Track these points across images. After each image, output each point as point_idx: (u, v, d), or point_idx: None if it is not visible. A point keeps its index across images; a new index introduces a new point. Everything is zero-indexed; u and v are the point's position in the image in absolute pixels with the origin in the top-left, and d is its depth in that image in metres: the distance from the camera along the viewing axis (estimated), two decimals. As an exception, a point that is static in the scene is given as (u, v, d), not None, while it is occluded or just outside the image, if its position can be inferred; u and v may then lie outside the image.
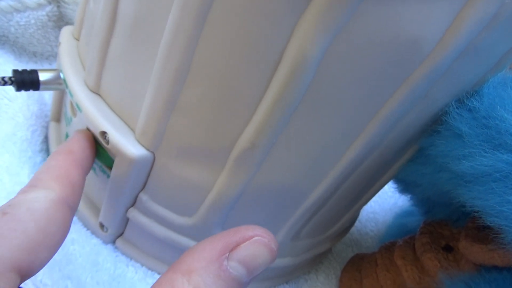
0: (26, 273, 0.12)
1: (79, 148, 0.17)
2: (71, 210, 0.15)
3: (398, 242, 0.23)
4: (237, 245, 0.12)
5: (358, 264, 0.25)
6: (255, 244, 0.12)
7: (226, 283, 0.12)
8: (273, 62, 0.13)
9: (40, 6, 0.27)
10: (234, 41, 0.13)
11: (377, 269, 0.22)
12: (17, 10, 0.26)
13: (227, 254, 0.12)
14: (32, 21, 0.27)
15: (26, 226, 0.12)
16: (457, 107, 0.15)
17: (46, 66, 0.30)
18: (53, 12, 0.28)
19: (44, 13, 0.27)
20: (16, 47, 0.28)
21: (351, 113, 0.15)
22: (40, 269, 0.13)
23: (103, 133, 0.18)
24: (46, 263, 0.13)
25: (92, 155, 0.18)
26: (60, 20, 0.29)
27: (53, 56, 0.30)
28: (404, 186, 0.21)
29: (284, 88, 0.14)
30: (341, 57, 0.13)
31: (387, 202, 0.33)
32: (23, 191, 0.14)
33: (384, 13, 0.12)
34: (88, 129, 0.19)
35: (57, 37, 0.30)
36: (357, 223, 0.30)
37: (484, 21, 0.12)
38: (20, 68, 0.27)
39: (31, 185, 0.14)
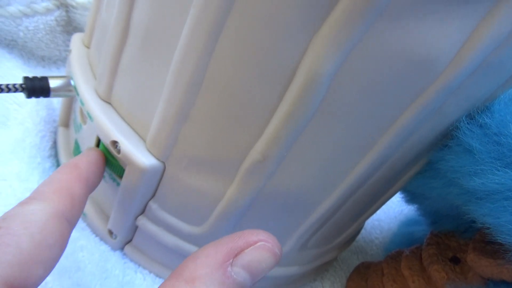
0: None
1: (86, 163, 0.17)
2: (70, 224, 0.14)
3: (405, 252, 0.23)
4: (241, 250, 0.12)
5: (364, 273, 0.25)
6: (259, 249, 0.12)
7: None
8: (286, 77, 0.13)
9: (48, 11, 0.27)
10: (248, 54, 0.13)
11: (384, 279, 0.22)
12: (26, 15, 0.26)
13: (231, 260, 0.12)
14: (41, 26, 0.27)
15: (19, 241, 0.12)
16: (467, 123, 0.15)
17: (54, 70, 0.30)
18: (61, 17, 0.28)
19: (52, 17, 0.28)
20: (24, 51, 0.28)
21: (362, 128, 0.15)
22: (37, 285, 0.12)
23: (114, 143, 0.18)
24: (44, 278, 0.13)
25: (99, 173, 0.18)
26: (68, 25, 0.29)
27: (60, 60, 0.31)
28: (412, 197, 0.21)
29: (297, 103, 0.14)
30: (354, 74, 0.13)
31: (392, 209, 0.33)
32: (21, 203, 0.14)
33: (398, 31, 0.12)
34: (97, 147, 0.19)
35: (65, 42, 0.30)
36: (362, 231, 0.31)
37: (499, 39, 0.12)
38: (28, 73, 0.27)
39: (31, 198, 0.14)
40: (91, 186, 0.17)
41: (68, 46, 0.30)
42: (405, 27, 0.12)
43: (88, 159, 0.17)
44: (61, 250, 0.13)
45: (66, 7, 0.28)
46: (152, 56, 0.16)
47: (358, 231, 0.26)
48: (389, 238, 0.30)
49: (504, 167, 0.13)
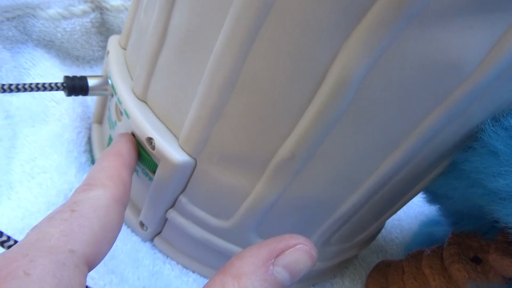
0: (91, 265, 0.13)
1: (126, 150, 0.18)
2: (124, 207, 0.16)
3: (426, 251, 0.23)
4: (282, 251, 0.13)
5: (385, 271, 0.25)
6: (298, 251, 0.13)
7: (271, 286, 0.13)
8: (318, 79, 0.14)
9: (84, 13, 0.29)
10: (281, 57, 0.14)
11: (404, 277, 0.22)
12: (64, 17, 0.28)
13: (273, 260, 0.13)
14: (77, 28, 0.29)
15: (91, 223, 0.13)
16: (493, 125, 0.16)
17: (88, 69, 0.32)
18: (96, 19, 0.30)
19: (88, 20, 0.29)
20: (61, 51, 0.30)
21: (389, 129, 0.15)
22: (100, 261, 0.14)
23: (150, 139, 0.19)
24: (105, 256, 0.14)
25: (136, 156, 0.19)
26: (102, 26, 0.31)
27: (94, 60, 0.32)
28: (434, 197, 0.21)
29: (326, 104, 0.14)
30: (383, 77, 0.14)
31: (413, 210, 0.33)
32: (83, 190, 0.15)
33: (427, 37, 0.13)
34: (131, 133, 0.20)
35: (98, 43, 0.31)
36: (382, 230, 0.31)
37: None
38: (64, 72, 0.29)
39: (89, 184, 0.16)
40: (133, 171, 0.18)
41: (101, 47, 0.32)
42: (435, 33, 0.13)
43: (127, 146, 0.19)
44: (118, 231, 0.15)
45: (100, 9, 0.30)
46: (189, 58, 0.17)
47: (379, 230, 0.27)
48: (409, 237, 0.30)
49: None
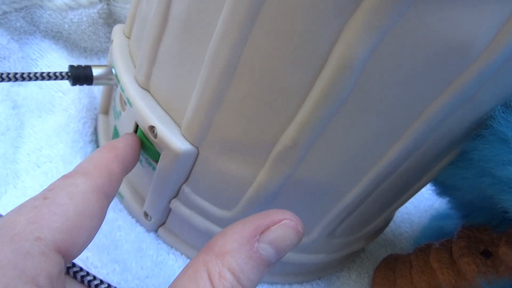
0: (67, 255, 0.13)
1: (123, 146, 0.18)
2: (107, 197, 0.15)
3: (434, 244, 0.23)
4: (267, 228, 0.13)
5: (392, 264, 0.25)
6: (284, 227, 0.13)
7: (257, 263, 0.13)
8: (319, 62, 0.14)
9: (91, 4, 0.29)
10: (282, 40, 0.14)
11: (412, 271, 0.22)
12: (71, 8, 0.28)
13: (257, 237, 0.13)
14: (84, 19, 0.29)
15: (65, 209, 0.13)
16: (503, 112, 0.15)
17: (96, 61, 0.32)
18: (103, 10, 0.30)
19: (95, 10, 0.29)
20: (68, 43, 0.30)
21: (394, 114, 0.15)
22: (80, 252, 0.13)
23: (152, 128, 0.19)
24: (86, 246, 0.14)
25: (135, 156, 0.19)
26: (109, 17, 0.31)
27: (101, 51, 0.32)
28: (443, 189, 0.21)
29: (328, 88, 0.14)
30: (387, 59, 0.13)
31: (423, 203, 0.32)
32: (64, 176, 0.15)
33: (433, 17, 0.12)
34: (135, 132, 0.20)
35: (106, 34, 0.31)
36: (391, 224, 0.30)
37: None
38: (72, 63, 0.29)
39: (74, 171, 0.15)
40: (128, 167, 0.18)
41: (108, 38, 0.32)
42: (441, 12, 0.12)
43: (126, 142, 0.18)
44: (100, 221, 0.14)
45: (107, 0, 0.30)
46: (189, 45, 0.17)
47: (386, 223, 0.26)
48: (419, 231, 0.30)
49: (540, 156, 0.13)
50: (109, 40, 0.32)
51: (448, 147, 0.17)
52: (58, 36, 0.29)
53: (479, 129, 0.16)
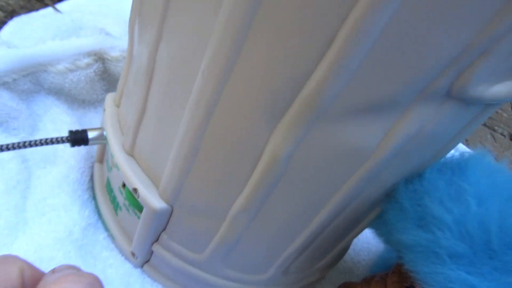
0: None
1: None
2: None
3: (376, 276, 0.27)
4: None
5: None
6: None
7: None
8: (255, 158, 0.18)
9: (88, 65, 0.33)
10: (232, 141, 0.18)
11: (355, 300, 0.26)
12: (71, 70, 0.32)
13: None
14: (82, 78, 0.33)
15: None
16: (404, 186, 0.19)
17: (92, 110, 0.36)
18: (99, 69, 0.34)
19: (92, 70, 0.34)
20: (69, 97, 0.34)
21: (316, 193, 0.19)
22: None
23: (135, 189, 0.23)
24: None
25: None
26: (104, 73, 0.35)
27: (98, 101, 0.37)
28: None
29: (263, 176, 0.18)
30: (305, 157, 0.18)
31: (380, 234, 0.36)
32: None
33: (333, 129, 0.17)
34: (123, 187, 0.24)
35: (101, 87, 0.36)
36: (351, 252, 0.35)
37: (409, 135, 0.17)
38: (72, 116, 0.33)
39: None
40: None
41: (104, 90, 0.36)
42: (338, 127, 0.16)
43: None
44: None
45: (102, 60, 0.34)
46: (163, 125, 0.21)
47: (340, 256, 0.30)
48: (374, 260, 0.34)
49: (420, 227, 0.17)
50: (105, 91, 0.37)
51: (370, 208, 0.22)
52: (60, 93, 0.34)
53: (389, 197, 0.20)
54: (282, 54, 0.15)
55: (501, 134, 0.70)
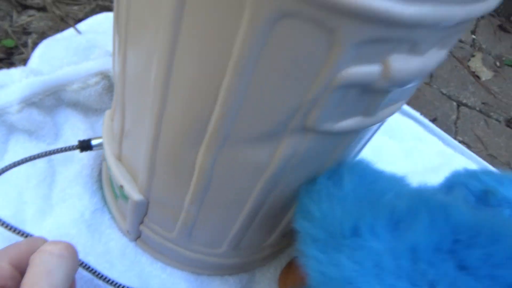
0: None
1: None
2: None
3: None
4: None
5: (291, 263, 0.37)
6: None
7: None
8: (191, 169, 0.26)
9: (96, 83, 0.42)
10: (175, 158, 0.26)
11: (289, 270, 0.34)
12: (83, 88, 0.41)
13: None
14: (93, 93, 0.42)
15: None
16: (305, 189, 0.26)
17: (102, 116, 0.45)
18: (105, 85, 0.43)
19: (99, 87, 0.42)
20: (84, 108, 0.44)
21: (238, 191, 0.27)
22: None
23: (121, 186, 0.32)
24: None
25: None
26: (110, 87, 0.44)
27: (107, 108, 0.46)
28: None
29: (198, 181, 0.26)
30: (222, 168, 0.25)
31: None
32: None
33: (237, 150, 0.24)
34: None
35: (109, 98, 0.45)
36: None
37: (288, 156, 0.24)
38: (86, 123, 0.43)
39: None
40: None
41: (110, 100, 0.45)
42: (239, 148, 0.24)
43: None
44: None
45: (108, 77, 0.43)
46: (135, 138, 0.29)
47: (285, 238, 0.38)
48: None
49: (303, 218, 0.25)
50: (111, 100, 0.46)
51: (287, 201, 0.29)
52: (76, 105, 0.43)
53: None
54: (195, 99, 0.22)
55: (496, 120, 0.72)
